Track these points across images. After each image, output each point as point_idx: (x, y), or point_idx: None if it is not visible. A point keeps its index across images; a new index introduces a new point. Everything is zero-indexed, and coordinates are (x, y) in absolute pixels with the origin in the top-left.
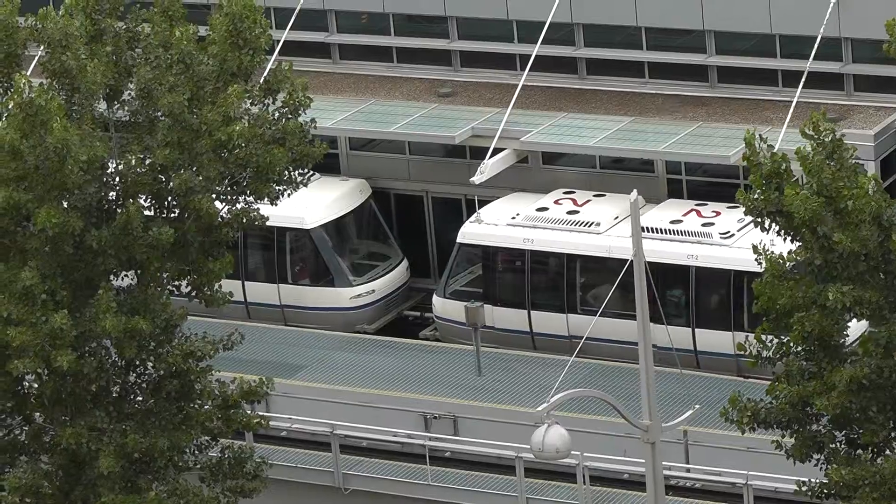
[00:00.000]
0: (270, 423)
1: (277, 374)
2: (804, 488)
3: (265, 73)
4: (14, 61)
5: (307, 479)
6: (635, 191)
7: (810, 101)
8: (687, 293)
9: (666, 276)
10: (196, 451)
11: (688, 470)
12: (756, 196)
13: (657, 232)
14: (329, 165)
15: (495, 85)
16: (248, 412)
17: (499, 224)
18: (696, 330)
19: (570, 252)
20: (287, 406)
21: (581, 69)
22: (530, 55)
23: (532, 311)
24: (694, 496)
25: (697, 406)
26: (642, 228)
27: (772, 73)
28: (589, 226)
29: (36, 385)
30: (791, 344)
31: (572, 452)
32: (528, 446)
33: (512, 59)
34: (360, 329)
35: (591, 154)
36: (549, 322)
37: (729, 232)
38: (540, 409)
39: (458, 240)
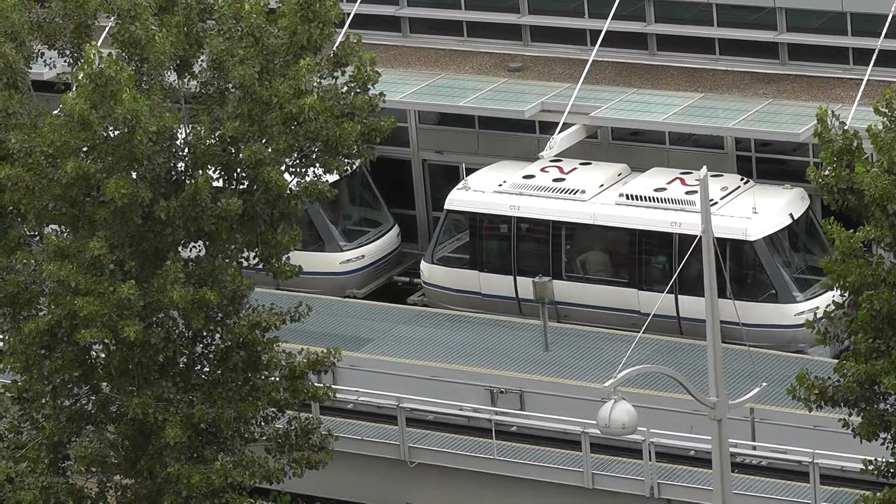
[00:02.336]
0: (337, 395)
1: (344, 346)
2: (871, 467)
3: (334, 47)
4: (84, 32)
5: (373, 452)
6: (705, 167)
7: (881, 79)
8: (670, 260)
9: (649, 243)
10: (262, 423)
11: (754, 447)
12: (826, 173)
13: (641, 199)
14: (398, 139)
15: (565, 60)
16: (315, 384)
17: (486, 191)
18: (679, 296)
19: (555, 219)
20: (353, 378)
21: (651, 45)
22: (601, 30)
23: (518, 277)
24: (760, 474)
25: (765, 383)
26: (626, 196)
27: (843, 50)
28: (574, 193)
29: (103, 355)
30: (859, 322)
31: (638, 428)
32: (595, 422)
33: (582, 35)
34: (349, 294)
35: (660, 130)
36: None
37: (712, 200)
38: (607, 384)
39: (446, 206)
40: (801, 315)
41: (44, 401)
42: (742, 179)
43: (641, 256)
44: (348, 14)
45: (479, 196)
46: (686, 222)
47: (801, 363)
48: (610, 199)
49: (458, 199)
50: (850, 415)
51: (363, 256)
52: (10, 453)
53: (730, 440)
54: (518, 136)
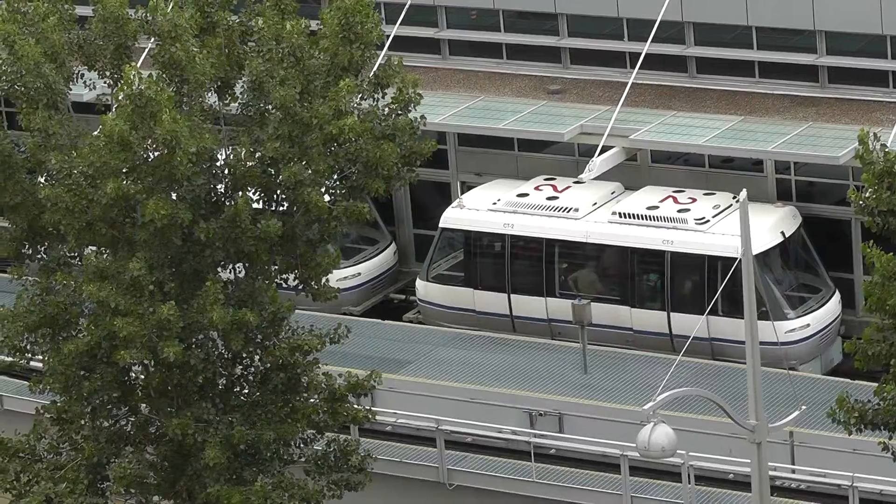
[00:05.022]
0: (376, 417)
1: (383, 368)
2: None
3: (374, 68)
4: (124, 53)
5: (412, 474)
6: (744, 190)
7: None
8: (662, 277)
9: (642, 261)
10: (302, 444)
11: (793, 471)
12: (867, 195)
13: (634, 217)
14: (438, 161)
15: (605, 82)
16: (355, 406)
17: (480, 209)
18: (671, 314)
19: (548, 237)
20: (392, 401)
21: (691, 68)
22: (640, 53)
23: (512, 295)
24: (799, 497)
25: (804, 407)
26: (618, 214)
27: (882, 74)
28: (567, 211)
29: (142, 376)
30: None
31: (678, 451)
32: (634, 444)
33: (622, 57)
34: (346, 311)
35: (700, 153)
36: (528, 305)
37: (704, 218)
38: (646, 407)
39: (441, 224)
40: (792, 332)
41: (83, 422)
42: (734, 198)
43: (634, 274)
44: (388, 36)
45: (474, 214)
46: (678, 240)
47: (841, 387)
48: (603, 217)
49: (453, 217)
50: (891, 438)
51: (360, 274)
52: (49, 474)
53: (769, 463)
54: (557, 159)
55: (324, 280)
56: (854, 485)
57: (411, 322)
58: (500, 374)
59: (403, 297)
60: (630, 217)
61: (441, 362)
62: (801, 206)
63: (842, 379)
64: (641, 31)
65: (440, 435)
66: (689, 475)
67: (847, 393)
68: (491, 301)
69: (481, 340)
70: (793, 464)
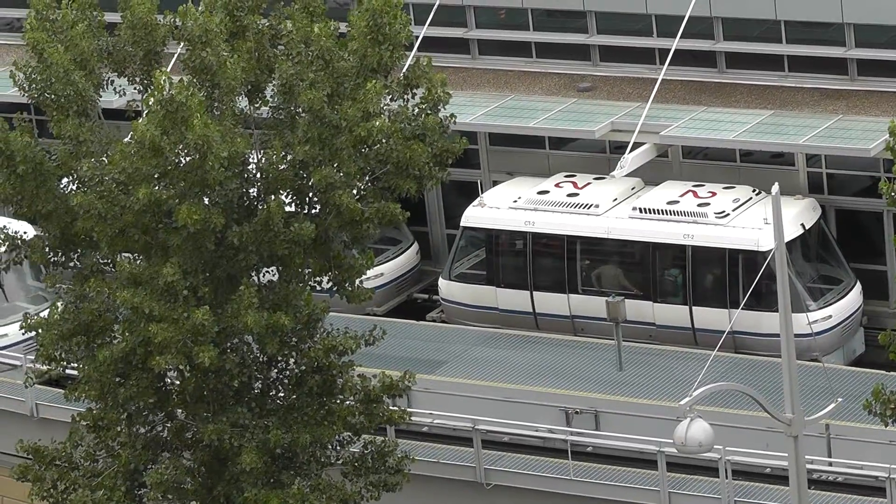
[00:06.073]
0: (412, 418)
1: (418, 369)
2: None
3: (404, 69)
4: (154, 59)
5: (449, 475)
6: (776, 184)
7: None
8: (683, 272)
9: (663, 256)
10: (338, 447)
11: (830, 464)
12: None
13: (654, 212)
14: (469, 161)
15: (634, 79)
16: (391, 407)
17: (501, 207)
18: (693, 308)
19: (569, 234)
20: (428, 401)
21: (720, 63)
22: (669, 49)
23: (534, 292)
24: (836, 490)
25: (840, 399)
26: (639, 210)
27: None
28: (588, 208)
29: (178, 381)
30: None
31: (714, 446)
32: (671, 440)
33: (651, 54)
34: (369, 311)
35: (730, 147)
36: (551, 302)
37: (724, 212)
38: (682, 403)
39: (462, 223)
40: (814, 324)
41: (119, 428)
42: (754, 191)
43: (655, 269)
44: (417, 36)
45: (495, 213)
46: (698, 234)
47: (876, 379)
48: (623, 212)
49: (474, 215)
50: None
51: (382, 274)
52: (86, 482)
53: (806, 456)
54: (588, 156)
55: (357, 282)
56: (891, 476)
57: (434, 321)
58: (534, 372)
59: (427, 296)
60: (650, 212)
61: (475, 362)
62: (833, 199)
63: (876, 371)
64: (670, 27)
65: (477, 435)
66: (726, 470)
67: (882, 384)
68: (513, 299)
69: (514, 339)
70: (830, 456)
